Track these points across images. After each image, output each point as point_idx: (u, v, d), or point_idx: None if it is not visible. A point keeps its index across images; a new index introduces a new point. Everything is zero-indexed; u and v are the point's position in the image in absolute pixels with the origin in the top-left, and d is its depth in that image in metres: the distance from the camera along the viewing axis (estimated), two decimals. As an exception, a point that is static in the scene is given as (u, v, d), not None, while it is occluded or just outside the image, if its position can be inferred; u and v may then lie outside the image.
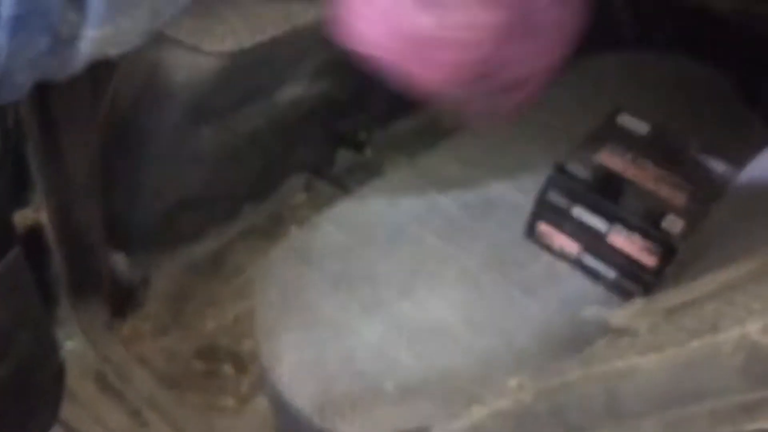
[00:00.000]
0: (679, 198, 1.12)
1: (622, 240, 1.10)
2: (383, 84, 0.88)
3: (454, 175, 1.22)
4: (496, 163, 1.26)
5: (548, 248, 1.20)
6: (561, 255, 1.19)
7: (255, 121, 1.29)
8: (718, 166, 1.19)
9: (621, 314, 0.60)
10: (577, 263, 1.18)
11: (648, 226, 1.07)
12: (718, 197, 1.13)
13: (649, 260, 1.09)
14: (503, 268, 1.13)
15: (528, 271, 1.15)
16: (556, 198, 1.15)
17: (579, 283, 1.16)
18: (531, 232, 1.22)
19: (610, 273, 1.15)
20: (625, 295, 1.13)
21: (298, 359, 0.97)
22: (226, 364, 1.30)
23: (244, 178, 1.42)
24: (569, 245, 1.18)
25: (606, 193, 1.11)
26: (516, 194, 1.23)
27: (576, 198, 1.13)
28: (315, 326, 0.99)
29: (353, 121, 1.58)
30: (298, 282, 1.05)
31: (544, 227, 1.19)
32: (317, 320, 1.00)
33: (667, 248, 1.06)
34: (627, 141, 1.21)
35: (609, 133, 1.23)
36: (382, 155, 1.63)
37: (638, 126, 1.25)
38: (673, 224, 1.07)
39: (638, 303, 0.61)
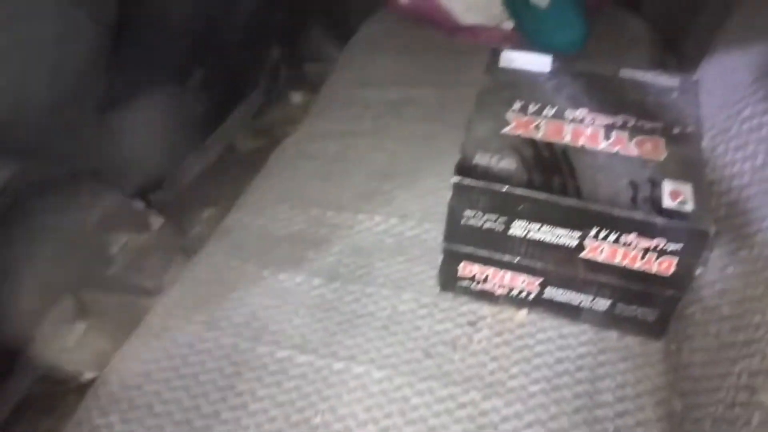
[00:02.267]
0: (658, 147, 0.68)
1: (607, 248, 0.64)
2: None
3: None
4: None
5: (483, 299, 0.72)
6: (507, 301, 0.71)
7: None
8: (658, 80, 0.77)
9: None
10: (537, 304, 0.71)
11: (642, 212, 0.61)
12: (696, 121, 0.70)
13: (661, 267, 0.63)
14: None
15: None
16: (476, 218, 0.66)
17: (550, 333, 0.69)
18: (449, 284, 0.73)
19: (600, 304, 0.68)
20: (631, 328, 0.68)
21: None
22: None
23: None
24: (518, 283, 0.70)
25: (549, 181, 0.64)
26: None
27: (507, 207, 0.65)
28: None
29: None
30: None
31: (468, 269, 0.70)
32: None
33: (688, 238, 0.61)
34: (532, 89, 0.75)
35: (502, 84, 0.76)
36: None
37: (534, 61, 0.79)
38: (678, 194, 0.63)
39: None
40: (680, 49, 1.14)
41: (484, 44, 1.13)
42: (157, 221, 1.31)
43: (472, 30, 1.16)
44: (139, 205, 1.27)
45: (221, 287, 0.76)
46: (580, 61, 0.80)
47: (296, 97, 1.67)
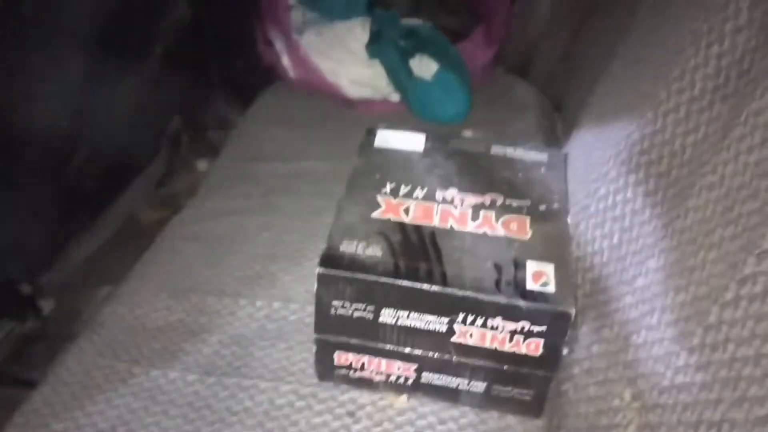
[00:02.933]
0: (524, 226, 0.68)
1: (476, 332, 0.63)
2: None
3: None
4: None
5: (362, 386, 0.70)
6: (386, 387, 0.70)
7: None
8: (527, 155, 0.79)
9: None
10: (416, 388, 0.69)
11: (505, 296, 0.62)
12: (563, 197, 0.72)
13: (529, 348, 0.63)
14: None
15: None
16: (344, 308, 0.65)
17: (430, 419, 0.68)
18: (327, 374, 0.71)
19: (476, 386, 0.68)
20: (510, 408, 0.68)
21: None
22: None
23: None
24: (394, 370, 0.68)
25: (415, 267, 0.64)
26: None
27: (375, 295, 0.64)
28: None
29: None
30: None
31: (343, 357, 0.69)
32: None
33: (551, 319, 0.62)
34: (405, 170, 0.75)
35: (375, 165, 0.76)
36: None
37: (409, 140, 0.80)
38: (540, 275, 0.63)
39: None
40: (565, 115, 1.18)
41: (378, 115, 1.14)
42: (48, 305, 1.24)
43: (365, 102, 1.17)
44: (26, 289, 1.20)
45: (88, 389, 0.72)
46: (453, 138, 0.81)
47: (202, 165, 1.64)
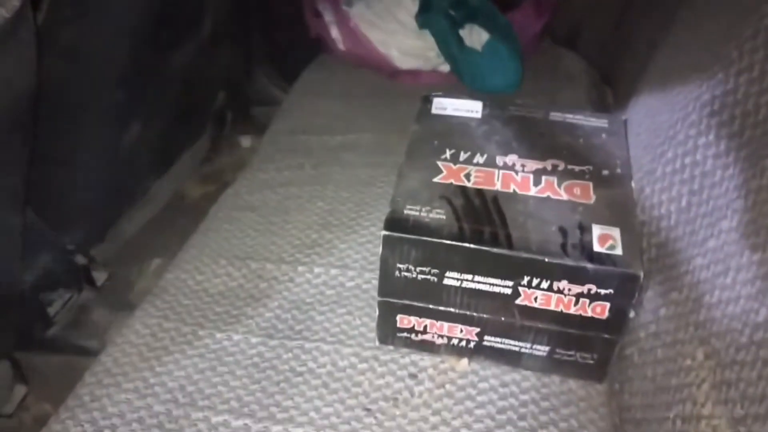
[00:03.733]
0: (587, 191, 0.68)
1: (541, 295, 0.64)
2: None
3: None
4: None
5: (424, 349, 0.71)
6: (447, 350, 0.71)
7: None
8: (587, 121, 0.78)
9: None
10: (478, 352, 0.70)
11: (572, 259, 0.61)
12: (625, 162, 0.72)
13: (595, 311, 0.63)
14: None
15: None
16: (409, 271, 0.65)
17: (492, 382, 0.69)
18: (388, 337, 0.72)
19: (539, 350, 0.68)
20: (572, 372, 0.68)
21: None
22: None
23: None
24: (456, 333, 0.69)
25: (479, 230, 0.64)
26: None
27: (439, 258, 0.64)
28: None
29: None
30: None
31: (405, 320, 0.69)
32: None
33: (619, 283, 0.61)
34: (463, 136, 0.75)
35: (433, 132, 0.76)
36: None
37: (466, 107, 0.79)
38: (607, 238, 0.63)
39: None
40: (616, 86, 1.17)
41: (425, 86, 1.14)
42: (101, 276, 1.27)
43: (412, 73, 1.17)
44: (81, 260, 1.23)
45: (155, 351, 0.74)
46: (511, 105, 0.80)
47: (245, 141, 1.66)
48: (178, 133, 1.41)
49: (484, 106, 0.79)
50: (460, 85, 1.13)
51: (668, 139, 0.66)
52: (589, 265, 0.61)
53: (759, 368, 0.47)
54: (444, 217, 0.65)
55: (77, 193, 1.12)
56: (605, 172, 0.71)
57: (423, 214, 0.65)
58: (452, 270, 0.64)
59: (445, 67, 1.14)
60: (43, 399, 1.09)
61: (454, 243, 0.63)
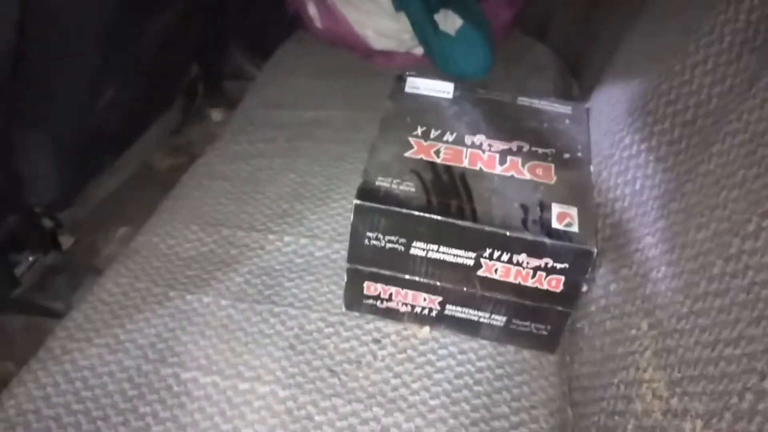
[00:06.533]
0: (549, 172, 0.72)
1: (501, 267, 0.67)
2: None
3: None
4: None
5: (388, 316, 0.74)
6: (411, 318, 0.74)
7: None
8: (552, 107, 0.82)
9: None
10: (439, 320, 0.73)
11: (531, 234, 0.65)
12: (585, 147, 0.76)
13: (551, 284, 0.67)
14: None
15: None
16: (378, 239, 0.68)
17: (451, 349, 0.72)
18: (355, 303, 0.75)
19: (497, 320, 0.72)
20: (527, 342, 0.72)
21: None
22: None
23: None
24: (420, 301, 0.72)
25: (446, 204, 0.67)
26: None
27: (407, 228, 0.67)
28: None
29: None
30: None
31: (372, 288, 0.73)
32: None
33: (574, 257, 0.65)
34: (435, 115, 0.79)
35: (406, 110, 0.79)
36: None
37: (438, 88, 0.82)
38: (565, 216, 0.67)
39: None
40: (582, 77, 1.21)
41: (398, 68, 1.16)
42: (67, 240, 1.27)
43: (386, 54, 1.20)
44: (47, 223, 1.23)
45: (127, 309, 0.76)
46: (481, 88, 0.84)
47: (216, 115, 1.66)
48: (149, 102, 1.41)
49: (456, 88, 0.83)
50: (432, 68, 1.16)
51: (627, 126, 0.70)
52: (547, 240, 0.65)
53: (696, 335, 0.51)
54: (413, 189, 0.68)
55: (47, 155, 1.12)
56: (566, 156, 0.75)
57: (394, 185, 0.68)
58: (419, 240, 0.68)
59: (419, 50, 1.17)
60: (7, 358, 1.10)
61: (422, 214, 0.66)
